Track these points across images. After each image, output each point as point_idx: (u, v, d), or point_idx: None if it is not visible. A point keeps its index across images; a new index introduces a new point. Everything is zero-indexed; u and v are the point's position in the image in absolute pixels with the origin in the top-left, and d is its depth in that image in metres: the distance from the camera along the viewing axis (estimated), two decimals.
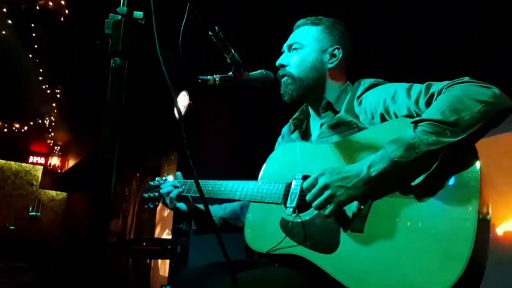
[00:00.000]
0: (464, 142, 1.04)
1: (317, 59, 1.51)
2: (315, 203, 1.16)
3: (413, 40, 2.95)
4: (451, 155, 1.04)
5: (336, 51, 1.52)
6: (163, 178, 1.78)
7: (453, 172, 1.05)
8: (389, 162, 1.07)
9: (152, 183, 1.82)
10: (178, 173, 1.77)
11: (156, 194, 1.74)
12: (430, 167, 1.05)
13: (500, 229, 2.61)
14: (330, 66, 1.52)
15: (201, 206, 1.72)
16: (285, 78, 1.52)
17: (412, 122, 1.11)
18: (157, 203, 1.78)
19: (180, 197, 1.68)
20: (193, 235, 1.75)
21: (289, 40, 1.58)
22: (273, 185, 1.42)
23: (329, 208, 1.14)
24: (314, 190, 1.17)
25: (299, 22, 1.60)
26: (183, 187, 1.69)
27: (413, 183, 1.08)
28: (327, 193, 1.14)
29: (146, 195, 1.80)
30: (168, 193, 1.66)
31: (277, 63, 1.56)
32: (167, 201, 1.67)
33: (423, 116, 1.10)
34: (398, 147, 1.07)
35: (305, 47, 1.53)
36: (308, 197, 1.19)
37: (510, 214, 2.58)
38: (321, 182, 1.16)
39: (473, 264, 0.95)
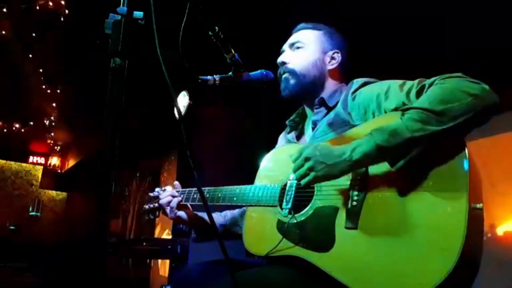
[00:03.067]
0: (449, 133, 1.05)
1: (318, 59, 1.56)
2: (296, 173, 1.22)
3: (413, 41, 2.95)
4: (436, 144, 1.06)
5: (336, 55, 1.58)
6: (162, 189, 1.79)
7: (442, 163, 1.07)
8: (373, 146, 1.09)
9: (151, 194, 1.83)
10: (176, 182, 1.79)
11: (156, 204, 1.76)
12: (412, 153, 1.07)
13: (500, 229, 2.61)
14: (330, 68, 1.57)
15: (202, 214, 1.73)
16: (286, 74, 1.55)
17: (400, 110, 1.13)
18: (157, 213, 1.79)
19: (180, 206, 1.69)
20: (193, 242, 1.76)
21: (291, 39, 1.61)
22: (268, 188, 1.44)
23: (305, 179, 1.18)
24: (298, 161, 1.21)
25: (299, 26, 1.64)
26: (182, 196, 1.70)
27: (393, 168, 1.10)
28: (307, 165, 1.18)
29: (146, 207, 1.81)
30: (168, 203, 1.68)
31: (279, 60, 1.59)
32: (167, 211, 1.68)
33: (412, 105, 1.12)
34: (383, 132, 1.08)
35: (307, 46, 1.56)
36: (293, 167, 1.23)
37: (510, 214, 2.58)
38: (304, 153, 1.20)
39: (466, 256, 0.96)
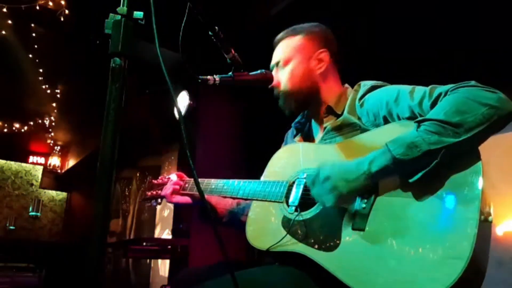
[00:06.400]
0: (466, 144, 1.04)
1: (305, 68, 1.52)
2: (316, 195, 1.19)
3: (416, 42, 2.95)
4: (453, 155, 1.05)
5: (322, 55, 1.53)
6: (166, 177, 1.82)
7: (456, 172, 1.06)
8: (390, 159, 1.08)
9: (155, 181, 1.86)
10: (180, 173, 1.83)
11: (159, 191, 1.81)
12: (430, 165, 1.05)
13: (500, 229, 2.61)
14: (319, 71, 1.53)
15: (208, 197, 1.75)
16: (281, 98, 1.55)
17: (416, 121, 1.11)
18: (159, 200, 1.83)
19: (182, 194, 1.75)
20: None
21: (274, 59, 1.59)
22: (275, 184, 1.43)
23: (331, 200, 1.15)
24: (316, 182, 1.18)
25: (277, 38, 1.61)
26: (187, 185, 1.74)
27: (410, 180, 1.08)
28: (328, 184, 1.15)
29: (149, 193, 1.84)
30: (170, 190, 1.73)
31: (269, 86, 1.57)
32: (168, 199, 1.74)
33: (427, 116, 1.11)
34: (400, 145, 1.07)
35: (290, 61, 1.53)
36: (311, 189, 1.21)
37: (510, 214, 2.58)
38: (323, 174, 1.17)
39: (474, 264, 0.95)
